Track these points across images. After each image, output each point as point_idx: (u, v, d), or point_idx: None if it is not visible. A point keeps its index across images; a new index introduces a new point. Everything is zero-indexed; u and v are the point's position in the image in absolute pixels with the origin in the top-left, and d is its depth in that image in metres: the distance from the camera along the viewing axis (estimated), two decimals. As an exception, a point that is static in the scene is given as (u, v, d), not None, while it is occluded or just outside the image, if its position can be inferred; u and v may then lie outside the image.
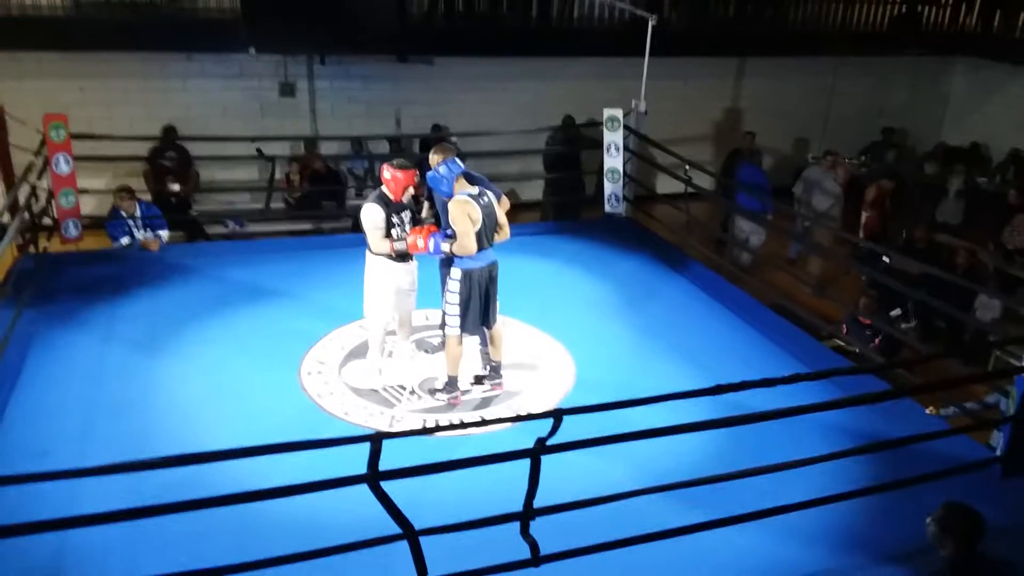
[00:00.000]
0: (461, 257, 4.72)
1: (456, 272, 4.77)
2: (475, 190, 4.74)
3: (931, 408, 5.16)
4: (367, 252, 4.99)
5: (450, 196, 4.70)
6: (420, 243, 4.82)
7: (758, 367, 5.38)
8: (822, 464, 3.31)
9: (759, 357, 5.68)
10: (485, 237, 4.73)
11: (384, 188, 4.91)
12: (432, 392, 5.03)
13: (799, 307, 6.58)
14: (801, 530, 3.76)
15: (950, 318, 6.85)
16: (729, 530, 3.21)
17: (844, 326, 6.75)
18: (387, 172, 4.88)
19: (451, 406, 4.95)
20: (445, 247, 4.75)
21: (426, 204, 5.34)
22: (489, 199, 4.78)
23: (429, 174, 4.74)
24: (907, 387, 5.25)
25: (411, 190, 4.97)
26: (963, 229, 9.64)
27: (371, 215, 4.83)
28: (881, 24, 12.56)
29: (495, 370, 5.16)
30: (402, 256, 4.96)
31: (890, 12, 12.60)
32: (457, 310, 4.80)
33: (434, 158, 4.84)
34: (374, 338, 5.17)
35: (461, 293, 4.76)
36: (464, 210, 4.62)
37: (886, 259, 7.17)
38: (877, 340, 6.59)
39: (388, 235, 4.87)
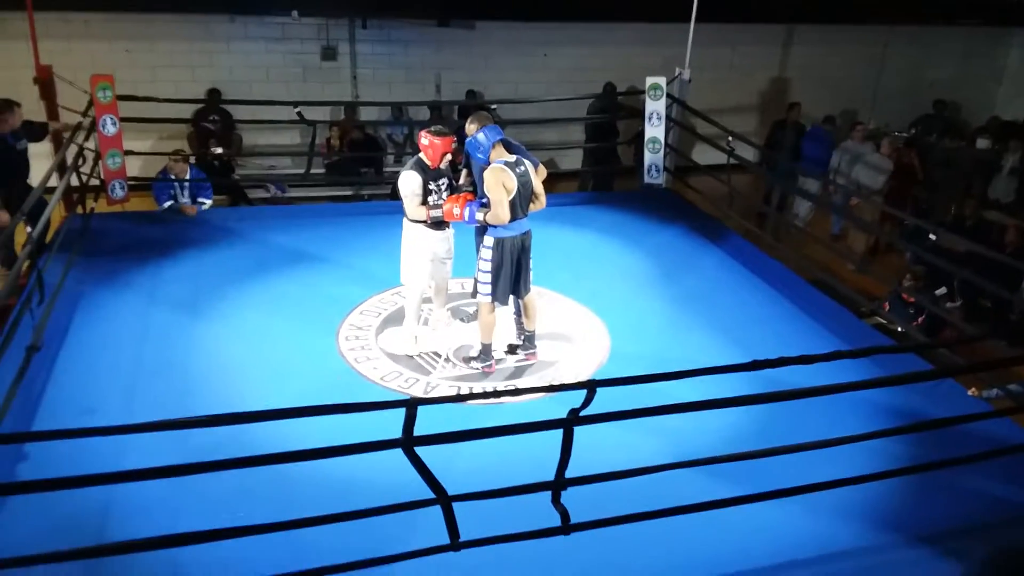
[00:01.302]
0: (495, 225, 4.73)
1: (488, 240, 4.78)
2: (512, 158, 4.72)
3: (973, 390, 5.06)
4: (404, 219, 5.02)
5: (487, 164, 4.69)
6: (456, 211, 4.82)
7: (796, 343, 5.33)
8: (860, 443, 3.26)
9: (797, 333, 5.61)
10: (520, 206, 4.71)
11: (422, 155, 4.92)
12: (466, 360, 5.07)
13: (840, 283, 6.47)
14: (837, 508, 3.73)
15: (997, 298, 6.68)
16: (763, 505, 3.20)
17: (886, 303, 6.63)
18: (424, 138, 4.88)
19: (485, 374, 4.98)
20: (479, 216, 4.75)
21: (463, 172, 5.33)
22: (525, 168, 4.76)
23: (467, 140, 4.74)
24: (950, 367, 5.16)
25: (448, 157, 4.96)
26: (1016, 207, 9.35)
27: (408, 182, 4.85)
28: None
29: (529, 340, 5.18)
30: (438, 224, 4.97)
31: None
32: (489, 278, 4.80)
33: (471, 127, 4.81)
34: (410, 305, 5.21)
35: (493, 260, 4.77)
36: (499, 178, 4.60)
37: (933, 236, 7.00)
38: (920, 319, 6.46)
39: (425, 202, 4.88)
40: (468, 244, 5.35)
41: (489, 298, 4.85)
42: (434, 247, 5.05)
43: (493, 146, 4.68)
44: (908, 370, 4.40)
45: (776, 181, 9.18)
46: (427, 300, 5.48)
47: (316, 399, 2.59)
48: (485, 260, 4.80)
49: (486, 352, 5.00)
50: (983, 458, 3.64)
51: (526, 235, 4.86)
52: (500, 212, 4.62)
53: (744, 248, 6.98)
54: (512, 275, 4.84)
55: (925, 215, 8.75)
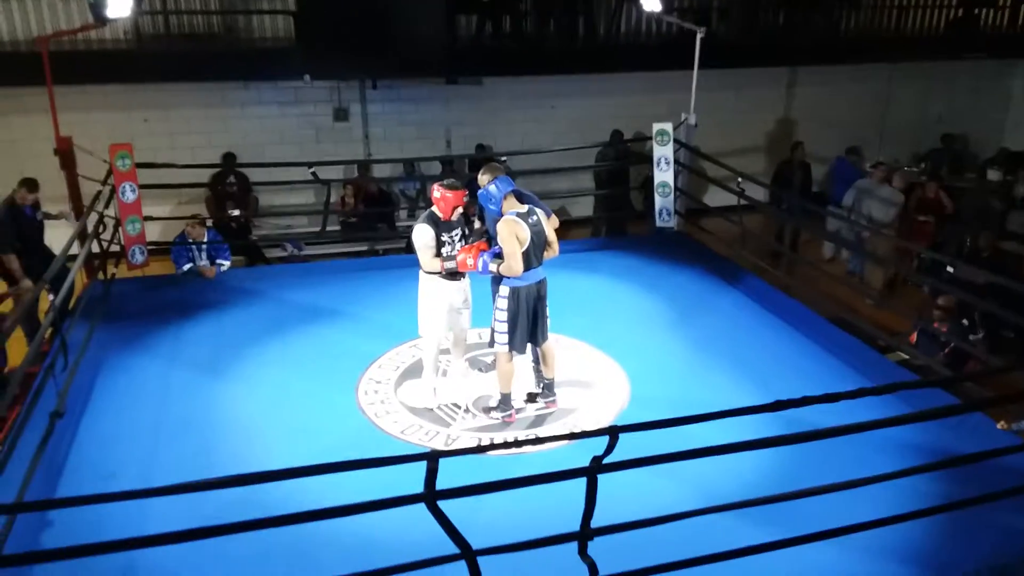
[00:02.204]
0: (509, 276, 4.75)
1: (504, 289, 4.80)
2: (523, 208, 4.76)
3: (1002, 423, 4.97)
4: (420, 271, 5.05)
5: (500, 215, 4.74)
6: (469, 261, 4.86)
7: (818, 381, 5.26)
8: (889, 482, 3.20)
9: (819, 371, 5.55)
10: (533, 256, 4.74)
11: (434, 208, 4.98)
12: (486, 411, 5.04)
13: (859, 319, 6.42)
14: (868, 550, 3.65)
15: (1019, 328, 6.60)
16: (793, 550, 3.12)
17: (913, 335, 6.54)
18: (437, 192, 4.94)
19: (505, 424, 4.95)
20: (492, 267, 4.79)
21: (476, 222, 5.38)
22: (537, 217, 4.80)
23: (480, 192, 4.80)
24: (977, 401, 5.07)
25: (460, 209, 5.01)
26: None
27: (422, 235, 4.90)
28: (937, 28, 12.27)
29: (548, 387, 5.16)
30: (453, 274, 5.00)
31: (946, 16, 12.29)
32: (505, 327, 4.82)
33: (483, 178, 4.89)
34: (428, 357, 5.22)
35: (509, 310, 4.79)
36: (511, 230, 4.64)
37: (950, 269, 6.95)
38: (948, 349, 6.34)
39: (439, 254, 4.92)
40: (485, 294, 5.36)
41: (506, 347, 4.86)
42: (450, 298, 5.06)
43: (505, 197, 4.73)
44: (934, 405, 4.33)
45: (787, 220, 9.19)
46: (445, 351, 5.48)
47: (337, 455, 2.58)
48: (501, 310, 4.82)
49: (505, 402, 4.98)
50: (1017, 492, 3.56)
51: (541, 283, 4.88)
52: (513, 264, 4.65)
53: (759, 288, 6.96)
54: (529, 324, 4.85)
55: (940, 248, 8.70)
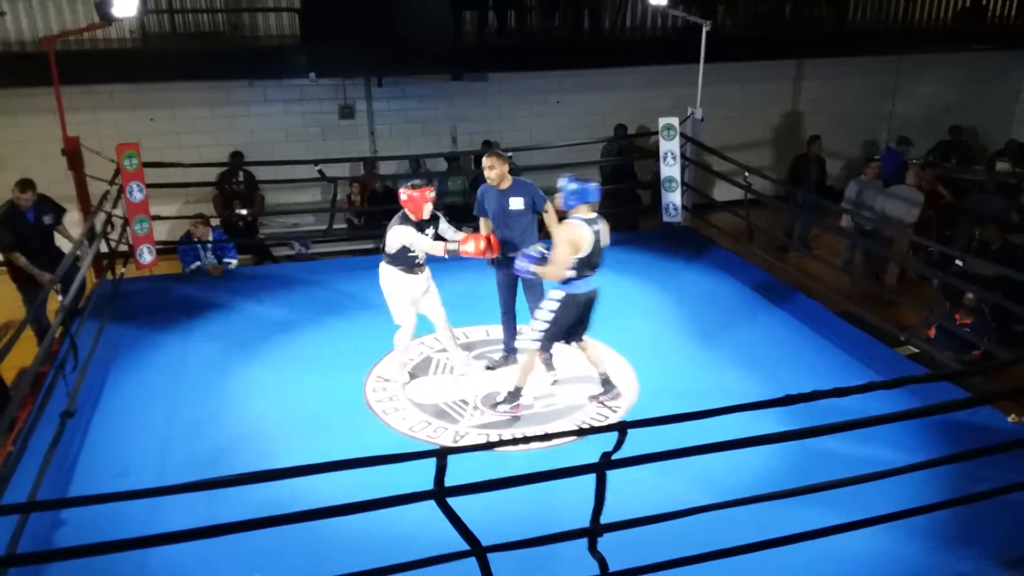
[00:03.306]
0: (567, 280, 4.65)
1: (558, 293, 4.71)
2: (592, 215, 4.65)
3: (1013, 416, 4.94)
4: (380, 266, 5.19)
5: (539, 211, 4.68)
6: (474, 246, 4.94)
7: (828, 376, 5.25)
8: (898, 476, 3.19)
9: (828, 365, 5.54)
10: (591, 263, 4.66)
11: (405, 211, 5.02)
12: (494, 405, 5.05)
13: (869, 313, 6.39)
14: (876, 544, 3.64)
15: (1029, 321, 6.57)
16: (803, 545, 3.12)
17: (932, 328, 6.49)
18: (404, 194, 5.00)
19: (513, 418, 4.95)
20: (534, 268, 4.71)
21: (442, 219, 5.27)
22: (600, 226, 4.69)
23: (560, 183, 4.66)
24: (987, 394, 5.05)
25: (430, 207, 5.04)
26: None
27: (404, 233, 4.98)
28: (945, 19, 12.19)
29: (607, 382, 5.11)
30: (411, 268, 5.12)
31: (954, 6, 12.21)
32: (544, 327, 4.75)
33: (487, 161, 5.06)
34: (402, 339, 5.29)
35: (556, 312, 4.71)
36: (571, 236, 4.53)
37: (959, 262, 6.92)
38: (979, 350, 6.22)
39: (406, 250, 5.03)
40: (487, 291, 5.36)
41: (537, 345, 4.82)
42: (411, 288, 5.19)
43: (580, 203, 4.63)
44: (943, 399, 4.31)
45: (800, 216, 9.16)
46: (447, 350, 5.50)
47: (346, 452, 2.58)
48: (546, 311, 4.75)
49: (516, 394, 4.97)
50: (1028, 486, 3.54)
51: (594, 292, 4.82)
52: (559, 270, 4.58)
53: (767, 282, 6.94)
54: (567, 329, 4.81)
55: (948, 241, 8.65)
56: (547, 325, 4.74)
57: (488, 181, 5.22)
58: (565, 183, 4.65)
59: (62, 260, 5.80)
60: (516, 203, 5.21)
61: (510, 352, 5.61)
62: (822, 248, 9.42)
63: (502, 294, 5.49)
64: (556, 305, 4.71)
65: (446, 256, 5.04)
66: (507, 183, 5.21)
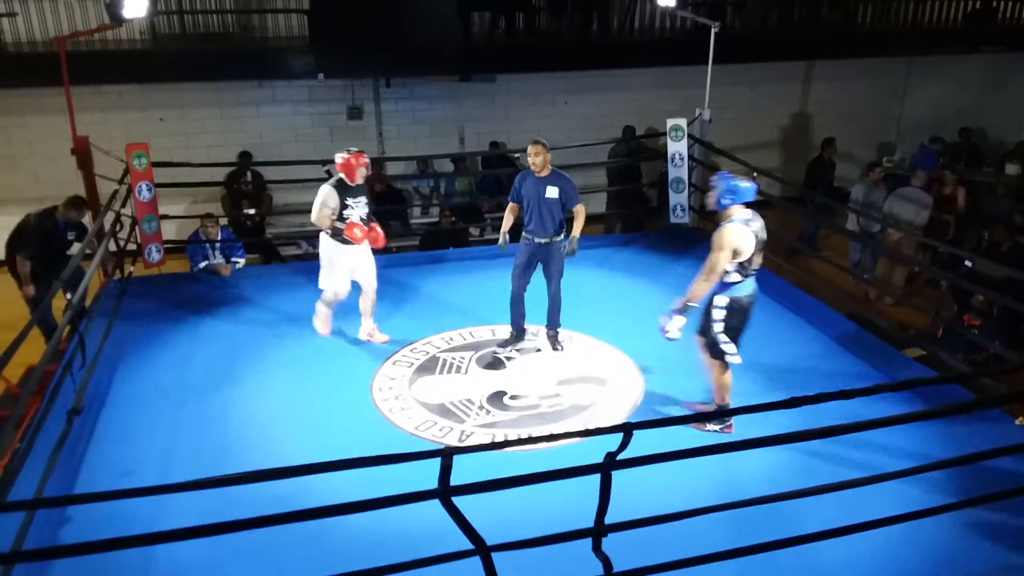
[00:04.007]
0: (729, 284, 4.48)
1: (722, 299, 4.53)
2: (749, 214, 4.46)
3: (1021, 419, 4.91)
4: (321, 234, 5.54)
5: (719, 208, 4.47)
6: (358, 233, 5.34)
7: (834, 377, 5.23)
8: (905, 478, 3.17)
9: (835, 367, 5.51)
10: (753, 265, 4.48)
11: (341, 175, 5.44)
12: (700, 423, 4.63)
13: (875, 314, 6.37)
14: (884, 546, 3.62)
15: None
16: (808, 547, 3.11)
17: (939, 329, 6.46)
18: (339, 157, 5.45)
19: (725, 434, 4.69)
20: (691, 291, 4.47)
21: (364, 201, 5.60)
22: (759, 223, 4.50)
23: (713, 181, 4.56)
24: (995, 397, 5.02)
25: (365, 172, 5.47)
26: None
27: (321, 193, 5.42)
28: (955, 21, 12.14)
29: (720, 410, 4.89)
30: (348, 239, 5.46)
31: (964, 8, 12.16)
32: (727, 337, 4.56)
33: (533, 149, 5.37)
34: (325, 301, 5.73)
35: (724, 320, 4.53)
36: (733, 241, 4.34)
37: (968, 263, 6.88)
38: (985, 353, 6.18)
39: (341, 216, 5.43)
40: (493, 293, 5.35)
41: (738, 357, 4.61)
42: (348, 258, 5.57)
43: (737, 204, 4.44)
44: (951, 401, 4.29)
45: (818, 220, 9.14)
46: (456, 349, 5.53)
47: (351, 451, 2.59)
48: (718, 321, 4.56)
49: (723, 413, 4.68)
50: (1037, 489, 3.52)
51: (756, 294, 4.65)
52: (712, 277, 4.39)
53: (775, 284, 6.92)
54: (736, 332, 4.59)
55: (958, 243, 8.60)
56: (726, 335, 4.53)
57: (532, 167, 5.47)
58: (719, 181, 4.47)
59: (70, 260, 5.82)
60: (552, 192, 5.46)
61: (519, 333, 5.79)
62: (830, 250, 9.39)
63: (517, 277, 5.64)
64: (723, 313, 4.52)
65: (328, 232, 5.43)
66: (547, 171, 5.48)
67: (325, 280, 5.67)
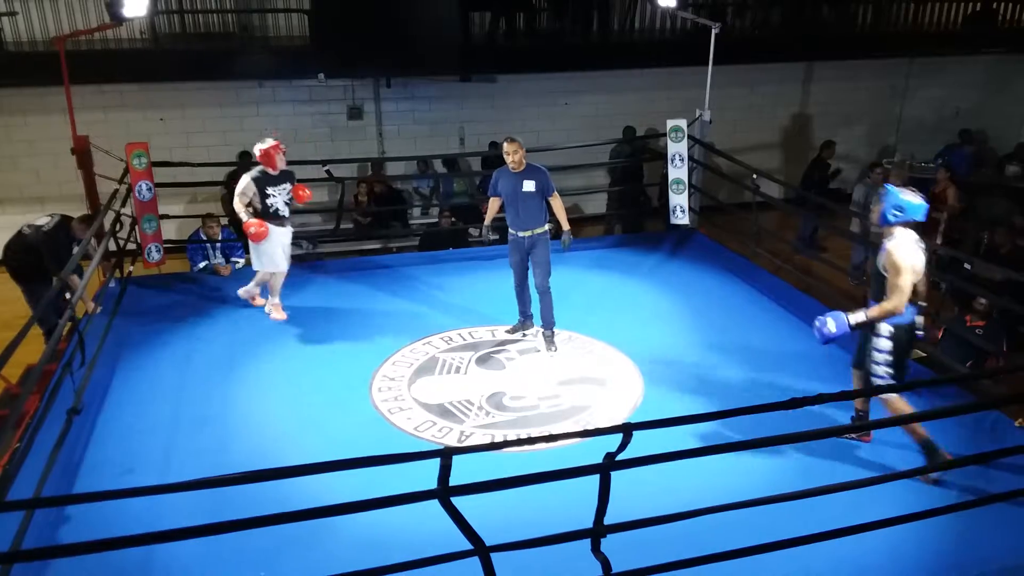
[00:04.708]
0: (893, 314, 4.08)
1: (886, 328, 4.14)
2: (914, 234, 4.14)
3: (1020, 420, 4.91)
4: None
5: (882, 226, 4.19)
6: (252, 230, 5.77)
7: (834, 379, 5.23)
8: (903, 480, 3.18)
9: (834, 368, 5.50)
10: (918, 293, 4.15)
11: (262, 165, 5.86)
12: (930, 479, 4.09)
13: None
14: (883, 547, 3.62)
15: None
16: (807, 548, 3.11)
17: (940, 330, 6.45)
18: (258, 148, 5.87)
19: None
20: (873, 312, 4.06)
21: (287, 190, 6.02)
22: (921, 244, 4.16)
23: (881, 193, 4.24)
24: (994, 398, 5.02)
25: (283, 157, 5.89)
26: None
27: (241, 182, 5.90)
28: (955, 23, 12.14)
29: (862, 416, 4.66)
30: (279, 219, 5.98)
31: (964, 10, 12.16)
32: (893, 370, 4.19)
33: (510, 147, 5.42)
34: (257, 278, 6.25)
35: (892, 352, 4.16)
36: (914, 262, 4.00)
37: (967, 266, 6.89)
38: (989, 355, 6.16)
39: (263, 203, 5.89)
40: (492, 295, 5.35)
41: (893, 394, 4.23)
42: (278, 237, 6.00)
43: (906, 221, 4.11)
44: (950, 403, 4.29)
45: (817, 221, 9.14)
46: (455, 349, 5.52)
47: (351, 452, 2.59)
48: (882, 352, 4.19)
49: (930, 451, 4.12)
50: (1036, 491, 3.52)
51: (918, 325, 4.24)
52: (899, 303, 3.99)
53: (774, 285, 6.92)
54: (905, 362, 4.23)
55: (956, 244, 8.61)
56: (890, 369, 4.18)
57: (509, 165, 5.55)
58: (886, 195, 4.16)
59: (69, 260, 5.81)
60: (529, 185, 5.54)
61: (526, 318, 5.95)
62: (830, 252, 9.40)
63: (515, 271, 5.79)
64: (889, 344, 4.16)
65: (243, 218, 5.81)
66: (522, 167, 5.55)
67: (257, 262, 6.12)
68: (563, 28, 10.82)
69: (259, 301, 6.45)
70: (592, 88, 10.75)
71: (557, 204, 5.70)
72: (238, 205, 5.88)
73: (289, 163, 8.78)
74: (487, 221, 6.02)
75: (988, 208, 9.18)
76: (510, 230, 5.72)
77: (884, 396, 4.22)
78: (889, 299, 4.03)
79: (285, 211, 6.00)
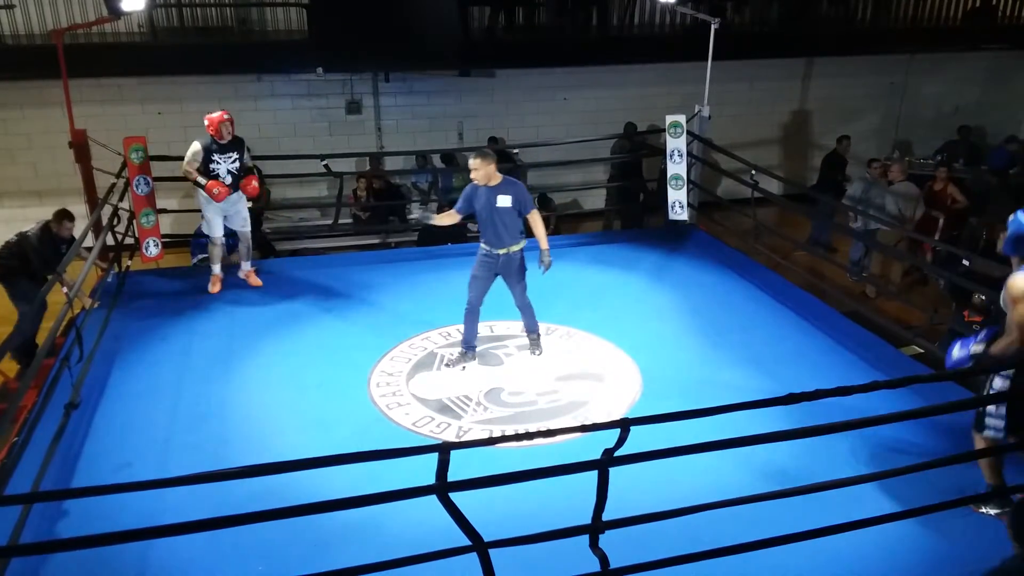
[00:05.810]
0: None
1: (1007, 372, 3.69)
2: None
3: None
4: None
5: (1006, 253, 3.86)
6: (216, 191, 6.15)
7: (832, 374, 5.24)
8: (902, 476, 3.18)
9: (832, 364, 5.52)
10: None
11: (210, 133, 6.16)
12: (980, 508, 3.87)
13: (873, 312, 6.37)
14: (880, 544, 3.63)
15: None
16: (805, 544, 3.11)
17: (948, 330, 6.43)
18: (206, 120, 6.20)
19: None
20: (997, 348, 3.68)
21: (248, 152, 6.46)
22: None
23: (1011, 220, 3.86)
24: (991, 395, 5.01)
25: (229, 127, 6.21)
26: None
27: (190, 148, 6.20)
28: (955, 18, 12.14)
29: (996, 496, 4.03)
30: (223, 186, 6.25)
31: (964, 6, 12.16)
32: (1004, 410, 3.72)
33: (472, 164, 5.13)
34: (212, 250, 6.62)
35: (1011, 382, 3.66)
36: None
37: (966, 263, 6.88)
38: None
39: (206, 170, 6.20)
40: (496, 287, 5.35)
41: (1002, 435, 3.74)
42: (215, 206, 6.32)
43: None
44: (948, 399, 4.28)
45: (832, 224, 9.13)
46: (454, 345, 5.52)
47: (349, 446, 2.59)
48: (1001, 387, 3.74)
49: (999, 494, 3.85)
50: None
51: None
52: (1020, 336, 3.54)
53: (773, 281, 6.92)
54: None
55: (954, 241, 8.61)
56: (1004, 407, 3.71)
57: (476, 181, 5.23)
58: (1013, 222, 3.76)
59: (66, 254, 5.80)
60: (504, 200, 5.22)
61: (469, 349, 5.54)
62: (832, 248, 9.40)
63: (475, 287, 5.41)
64: (1008, 383, 3.67)
65: (201, 183, 6.18)
66: (496, 180, 5.22)
67: (206, 226, 6.59)
68: (562, 23, 10.80)
69: (254, 280, 6.77)
70: (591, 83, 10.74)
71: (536, 221, 5.32)
72: (185, 170, 6.22)
73: (287, 158, 8.87)
74: (436, 218, 5.67)
75: (980, 204, 9.18)
76: (482, 246, 5.35)
77: (990, 438, 3.79)
78: (1008, 335, 3.63)
79: (228, 179, 6.28)
